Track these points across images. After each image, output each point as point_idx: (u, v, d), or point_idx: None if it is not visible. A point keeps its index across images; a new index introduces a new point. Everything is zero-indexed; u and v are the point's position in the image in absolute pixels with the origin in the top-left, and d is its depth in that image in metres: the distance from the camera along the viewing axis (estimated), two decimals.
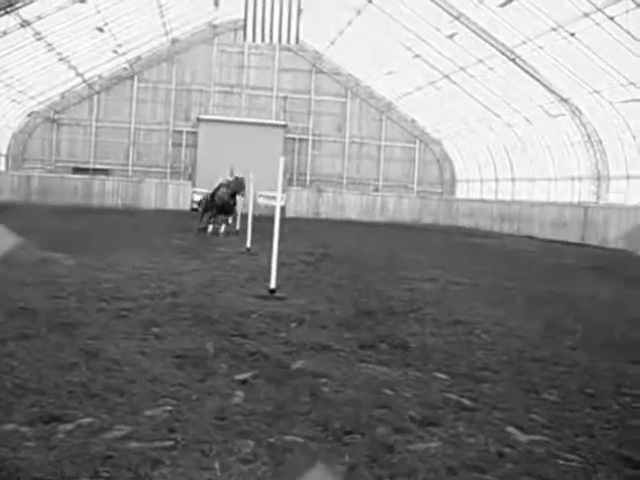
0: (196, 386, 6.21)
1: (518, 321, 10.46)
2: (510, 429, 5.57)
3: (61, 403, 5.53)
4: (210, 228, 25.44)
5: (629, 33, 27.61)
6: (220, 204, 25.10)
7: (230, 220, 26.51)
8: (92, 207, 45.27)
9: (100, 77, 51.16)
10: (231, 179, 25.20)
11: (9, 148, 49.80)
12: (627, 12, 26.88)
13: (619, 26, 27.78)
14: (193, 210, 46.69)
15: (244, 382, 6.41)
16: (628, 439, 5.51)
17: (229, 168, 25.88)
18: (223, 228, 25.33)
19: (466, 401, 6.23)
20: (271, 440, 4.99)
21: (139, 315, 9.30)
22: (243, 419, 5.40)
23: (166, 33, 49.63)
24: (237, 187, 25.10)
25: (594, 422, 5.87)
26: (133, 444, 4.77)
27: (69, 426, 5.04)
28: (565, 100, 36.30)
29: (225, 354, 7.39)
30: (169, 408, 5.57)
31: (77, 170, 50.91)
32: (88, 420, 5.18)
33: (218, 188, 25.48)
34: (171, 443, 4.82)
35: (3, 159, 49.24)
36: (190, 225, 28.15)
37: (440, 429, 5.46)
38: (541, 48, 33.67)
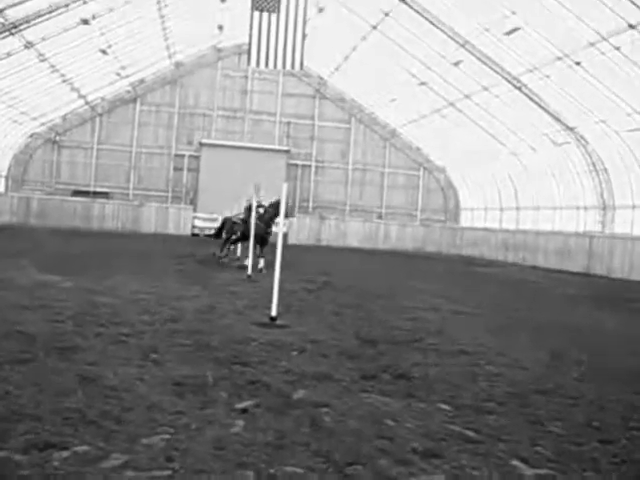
0: (195, 414, 6.13)
1: (523, 352, 10.36)
2: (515, 462, 5.50)
3: (57, 430, 5.45)
4: (247, 262, 21.31)
5: (635, 63, 27.71)
6: (257, 232, 21.48)
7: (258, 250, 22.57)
8: (92, 230, 45.23)
9: (103, 99, 51.23)
10: (256, 200, 22.39)
11: (9, 169, 49.72)
12: (632, 42, 26.96)
13: (625, 56, 27.87)
14: (193, 235, 46.71)
15: (244, 411, 6.34)
16: (635, 474, 5.42)
17: (254, 187, 22.85)
18: (262, 262, 21.86)
19: (470, 433, 6.15)
20: (271, 471, 4.92)
21: (138, 341, 9.22)
22: (243, 449, 5.33)
23: (170, 56, 49.87)
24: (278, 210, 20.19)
25: (600, 456, 5.78)
26: (130, 473, 4.71)
27: (64, 454, 4.98)
28: (571, 129, 36.35)
29: (225, 382, 7.31)
30: (167, 436, 5.50)
31: (77, 193, 50.76)
32: (84, 448, 5.11)
33: (249, 214, 22.58)
34: (169, 473, 4.77)
35: (3, 180, 49.10)
36: (190, 250, 28.03)
37: (443, 461, 5.40)
38: (547, 77, 33.75)
